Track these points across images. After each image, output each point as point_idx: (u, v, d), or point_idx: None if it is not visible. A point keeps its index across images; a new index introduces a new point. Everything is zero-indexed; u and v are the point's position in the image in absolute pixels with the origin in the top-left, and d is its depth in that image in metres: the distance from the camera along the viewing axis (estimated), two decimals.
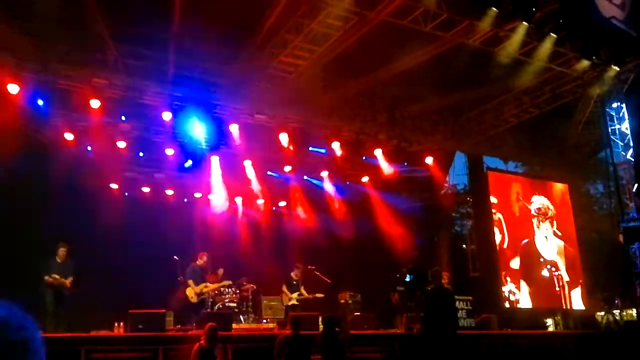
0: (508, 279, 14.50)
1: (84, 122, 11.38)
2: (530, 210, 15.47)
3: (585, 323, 14.19)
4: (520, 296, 14.47)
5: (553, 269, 15.16)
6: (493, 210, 14.84)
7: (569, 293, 15.13)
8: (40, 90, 10.23)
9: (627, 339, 11.26)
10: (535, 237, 15.24)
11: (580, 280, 15.44)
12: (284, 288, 12.17)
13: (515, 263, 14.81)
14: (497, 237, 14.71)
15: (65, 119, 11.30)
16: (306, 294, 12.07)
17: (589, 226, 16.30)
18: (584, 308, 15.15)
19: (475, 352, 10.09)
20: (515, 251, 14.92)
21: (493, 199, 15.00)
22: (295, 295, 12.02)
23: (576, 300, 15.22)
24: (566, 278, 15.23)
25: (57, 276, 9.65)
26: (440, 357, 8.07)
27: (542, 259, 15.05)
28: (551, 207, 15.74)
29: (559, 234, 15.70)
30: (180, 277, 11.85)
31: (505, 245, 14.81)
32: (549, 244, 15.38)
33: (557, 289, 15.04)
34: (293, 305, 11.94)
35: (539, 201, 15.63)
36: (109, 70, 10.81)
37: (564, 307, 14.89)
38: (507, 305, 14.19)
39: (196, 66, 11.55)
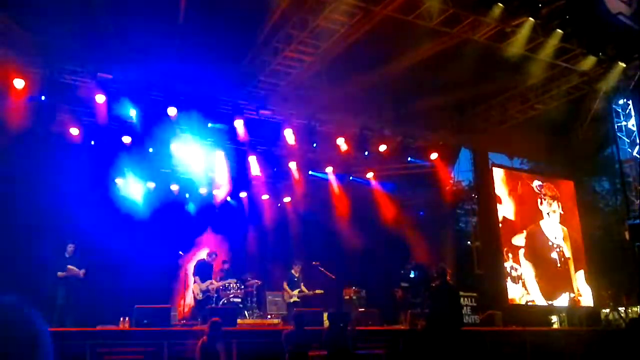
0: (510, 255, 14.50)
1: (89, 117, 11.40)
2: (534, 193, 15.53)
3: (590, 320, 14.16)
4: (523, 271, 14.50)
5: (560, 251, 15.30)
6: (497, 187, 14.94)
7: (575, 274, 15.32)
8: (46, 86, 10.24)
9: (632, 336, 11.22)
10: (542, 221, 15.31)
11: (584, 266, 15.54)
12: (285, 285, 12.30)
13: (518, 240, 14.85)
14: (501, 208, 14.73)
15: (70, 114, 11.30)
16: (306, 291, 12.16)
17: (595, 223, 16.25)
18: (591, 305, 15.13)
19: (479, 349, 10.08)
20: (519, 228, 14.97)
21: (498, 171, 15.08)
22: (296, 292, 12.12)
23: (581, 281, 15.32)
24: (569, 256, 15.47)
25: (72, 267, 9.88)
26: (444, 353, 8.07)
27: (550, 243, 15.21)
28: (538, 183, 15.79)
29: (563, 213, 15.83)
30: (185, 272, 11.91)
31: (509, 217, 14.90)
32: (556, 227, 15.49)
33: (564, 270, 15.23)
34: (295, 302, 12.05)
35: (540, 183, 15.76)
36: (114, 65, 10.82)
37: (572, 288, 14.97)
38: (509, 280, 14.19)
39: (201, 61, 11.54)
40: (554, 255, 15.14)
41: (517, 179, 15.65)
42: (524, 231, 14.97)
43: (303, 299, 12.13)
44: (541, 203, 15.43)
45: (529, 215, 15.29)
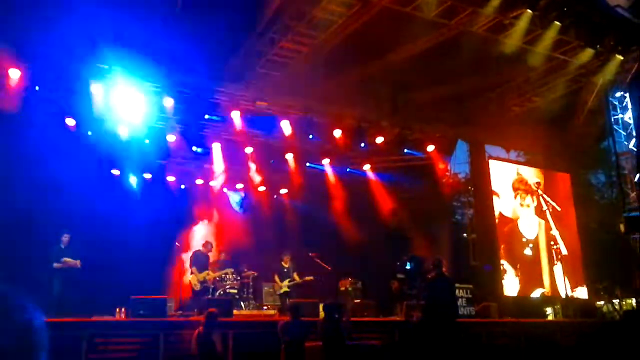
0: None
1: (86, 107, 11.33)
2: (514, 187, 15.45)
3: (585, 312, 14.23)
4: (507, 274, 14.51)
5: (533, 247, 15.14)
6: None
7: (552, 269, 15.13)
8: (42, 75, 10.18)
9: (626, 328, 11.30)
10: (519, 220, 15.15)
11: (561, 256, 15.38)
12: (276, 277, 12.23)
13: None
14: (497, 204, 14.76)
15: (67, 104, 11.24)
16: (297, 279, 12.08)
17: (591, 215, 16.30)
18: (586, 297, 15.17)
19: (475, 341, 10.14)
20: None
21: (495, 166, 15.03)
22: (285, 282, 12.05)
23: (559, 275, 15.19)
24: (547, 254, 15.29)
25: (68, 259, 9.87)
26: (439, 345, 8.10)
27: (524, 239, 15.02)
28: (536, 181, 15.69)
29: (548, 206, 15.67)
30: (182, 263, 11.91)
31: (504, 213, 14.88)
32: (531, 222, 15.30)
33: (541, 266, 15.08)
34: (285, 292, 11.99)
35: (524, 176, 15.65)
36: (110, 55, 10.74)
37: (548, 283, 14.94)
38: (505, 277, 14.23)
39: (197, 52, 11.47)
40: (527, 251, 14.96)
41: (513, 172, 15.60)
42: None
43: (294, 288, 12.03)
44: (515, 197, 15.28)
45: (514, 211, 15.22)
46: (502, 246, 14.64)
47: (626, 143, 14.07)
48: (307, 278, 12.07)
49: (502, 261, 14.42)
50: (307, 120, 12.89)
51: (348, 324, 8.57)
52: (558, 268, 15.18)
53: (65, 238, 10.25)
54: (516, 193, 15.24)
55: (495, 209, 14.75)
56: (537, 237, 15.23)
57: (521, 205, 15.22)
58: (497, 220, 14.68)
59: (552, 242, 15.33)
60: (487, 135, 15.63)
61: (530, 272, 14.82)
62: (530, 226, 15.25)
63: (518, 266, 14.61)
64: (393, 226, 14.90)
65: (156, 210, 13.05)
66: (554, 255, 15.21)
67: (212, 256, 12.19)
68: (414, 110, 14.07)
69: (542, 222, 15.46)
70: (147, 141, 12.48)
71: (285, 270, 12.25)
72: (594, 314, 14.60)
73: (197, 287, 11.22)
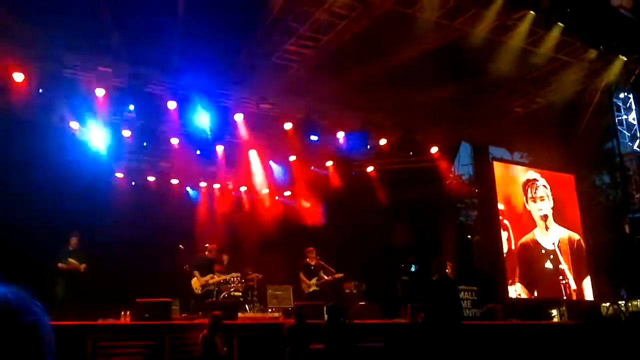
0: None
1: (89, 110, 11.36)
2: (526, 194, 14.65)
3: (590, 314, 14.16)
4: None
5: (555, 258, 14.45)
6: (500, 218, 14.21)
7: (575, 282, 14.67)
8: (46, 79, 10.21)
9: (632, 329, 11.25)
10: (535, 230, 14.37)
11: (585, 269, 15.02)
12: (302, 276, 11.78)
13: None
14: (504, 235, 14.32)
15: (70, 107, 11.27)
16: (325, 277, 11.68)
17: (595, 217, 16.22)
18: (592, 299, 15.08)
19: (480, 343, 10.09)
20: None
21: (500, 206, 14.28)
22: (314, 281, 11.65)
23: (587, 290, 14.79)
24: (569, 266, 14.72)
25: (72, 260, 9.88)
26: (444, 347, 8.08)
27: (543, 251, 14.34)
28: (547, 187, 14.96)
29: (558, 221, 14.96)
30: (186, 266, 11.91)
31: (513, 247, 14.11)
32: (549, 233, 14.62)
33: (564, 280, 14.46)
34: (314, 291, 11.54)
35: (536, 184, 14.90)
36: (113, 58, 10.77)
37: (571, 298, 14.69)
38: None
39: (201, 54, 11.48)
40: (549, 264, 14.19)
41: (515, 178, 14.92)
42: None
43: (322, 287, 11.58)
44: (530, 201, 14.45)
45: (524, 225, 14.30)
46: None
47: (630, 144, 14.05)
48: (337, 275, 11.61)
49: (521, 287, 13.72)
50: (310, 122, 12.88)
51: (351, 325, 8.56)
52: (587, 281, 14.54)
53: (74, 240, 10.26)
54: (533, 199, 14.52)
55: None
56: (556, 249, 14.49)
57: (540, 217, 14.49)
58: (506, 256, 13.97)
59: (555, 259, 14.52)
60: (490, 137, 15.60)
61: (551, 288, 14.15)
62: (551, 235, 14.45)
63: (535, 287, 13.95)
64: (397, 228, 14.84)
65: (160, 213, 13.06)
66: (552, 266, 14.34)
67: (216, 259, 12.16)
68: (417, 112, 14.04)
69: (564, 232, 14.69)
70: (144, 144, 12.50)
71: (312, 267, 11.70)
72: (599, 315, 14.53)
73: (198, 291, 11.19)
